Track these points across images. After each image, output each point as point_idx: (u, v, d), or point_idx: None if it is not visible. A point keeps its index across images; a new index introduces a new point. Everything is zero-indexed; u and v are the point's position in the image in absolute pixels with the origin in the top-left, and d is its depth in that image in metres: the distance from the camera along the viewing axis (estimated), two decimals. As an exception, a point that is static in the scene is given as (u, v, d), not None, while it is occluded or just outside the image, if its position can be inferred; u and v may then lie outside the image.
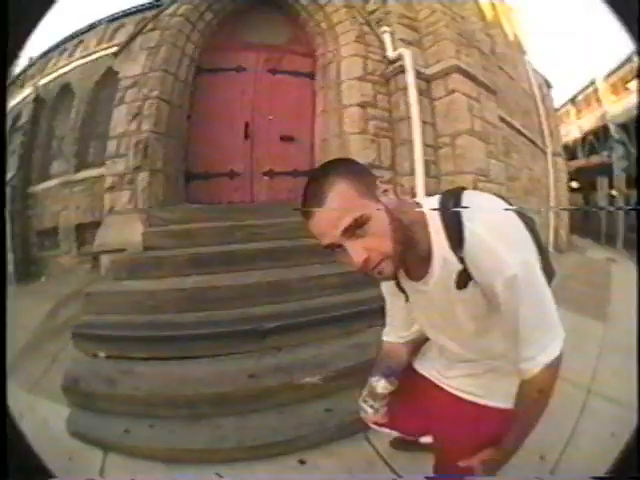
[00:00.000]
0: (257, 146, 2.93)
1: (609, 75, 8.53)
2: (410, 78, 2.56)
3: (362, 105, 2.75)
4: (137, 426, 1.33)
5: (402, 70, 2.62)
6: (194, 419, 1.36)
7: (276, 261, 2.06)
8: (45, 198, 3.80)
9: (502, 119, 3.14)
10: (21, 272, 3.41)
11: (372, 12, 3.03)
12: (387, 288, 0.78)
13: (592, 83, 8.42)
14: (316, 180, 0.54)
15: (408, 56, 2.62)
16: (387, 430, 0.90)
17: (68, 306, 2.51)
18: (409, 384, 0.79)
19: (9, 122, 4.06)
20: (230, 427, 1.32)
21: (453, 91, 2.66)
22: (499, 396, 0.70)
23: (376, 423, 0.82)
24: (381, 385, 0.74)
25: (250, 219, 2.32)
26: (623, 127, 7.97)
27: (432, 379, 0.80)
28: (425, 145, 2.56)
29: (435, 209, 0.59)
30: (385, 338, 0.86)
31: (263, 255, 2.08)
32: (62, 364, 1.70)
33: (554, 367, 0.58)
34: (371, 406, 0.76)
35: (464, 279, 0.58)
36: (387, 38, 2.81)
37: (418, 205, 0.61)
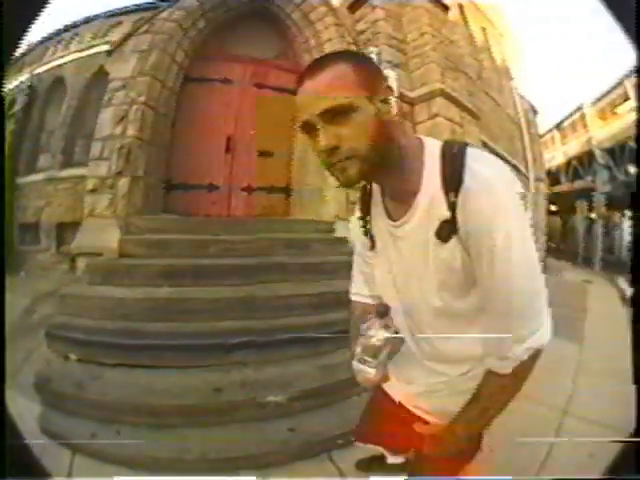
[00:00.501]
0: (237, 160, 2.94)
1: (598, 100, 8.77)
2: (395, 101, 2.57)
3: None
4: (104, 431, 1.35)
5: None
6: (159, 428, 1.37)
7: (246, 278, 2.06)
8: (30, 191, 3.75)
9: (485, 144, 3.18)
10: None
11: (361, 32, 3.05)
12: (356, 232, 0.67)
13: (579, 108, 8.63)
14: (320, 58, 0.51)
15: (393, 78, 2.64)
16: (372, 446, 0.85)
17: (44, 304, 2.50)
18: (386, 403, 0.72)
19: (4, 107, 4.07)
20: (194, 438, 1.33)
21: (436, 115, 2.69)
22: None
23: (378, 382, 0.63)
24: (378, 334, 0.56)
25: (225, 234, 2.32)
26: (609, 152, 8.18)
27: (399, 400, 0.70)
28: None
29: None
30: (354, 297, 0.74)
31: (234, 271, 2.07)
32: (35, 361, 1.73)
33: (537, 358, 0.52)
34: (371, 364, 0.57)
35: (448, 230, 0.49)
36: (374, 59, 2.83)
37: (420, 140, 0.55)
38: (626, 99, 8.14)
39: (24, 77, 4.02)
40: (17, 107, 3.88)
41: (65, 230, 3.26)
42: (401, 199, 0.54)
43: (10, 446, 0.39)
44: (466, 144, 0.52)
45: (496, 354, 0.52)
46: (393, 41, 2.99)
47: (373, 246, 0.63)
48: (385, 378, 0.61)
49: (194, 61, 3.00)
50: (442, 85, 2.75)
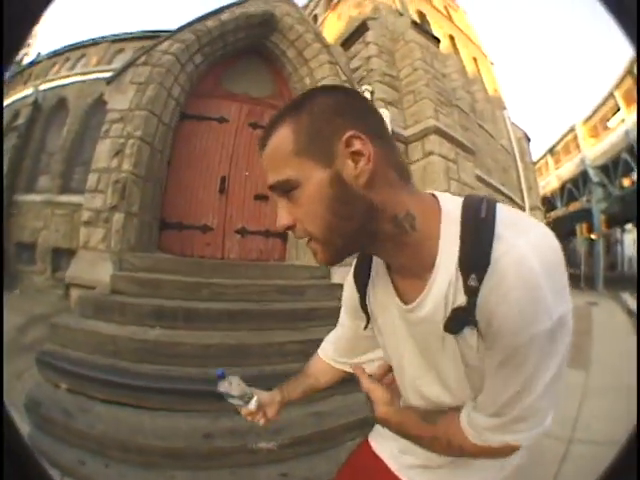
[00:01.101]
0: (231, 202, 2.92)
1: (588, 118, 8.86)
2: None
3: None
4: (92, 461, 1.34)
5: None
6: (147, 467, 1.35)
7: (238, 323, 2.02)
8: (28, 211, 3.76)
9: (480, 178, 3.18)
10: (-4, 279, 3.45)
11: (356, 69, 3.07)
12: (349, 302, 0.57)
13: (571, 130, 8.70)
14: (272, 117, 0.41)
15: (386, 117, 2.65)
16: None
17: (36, 327, 2.49)
18: (366, 464, 0.61)
19: (8, 118, 4.00)
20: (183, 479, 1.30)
21: (430, 153, 2.69)
22: None
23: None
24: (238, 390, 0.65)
25: (217, 277, 2.28)
26: (602, 169, 8.24)
27: (388, 464, 0.58)
28: None
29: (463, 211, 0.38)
30: (318, 352, 0.70)
31: (226, 316, 2.03)
32: (26, 383, 1.74)
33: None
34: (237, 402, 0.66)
35: (461, 319, 0.37)
36: (367, 97, 2.83)
37: (433, 197, 0.41)
38: (617, 110, 8.23)
39: (29, 91, 4.08)
40: (20, 121, 3.92)
41: (61, 255, 3.25)
42: (412, 277, 0.41)
43: (8, 451, 0.37)
44: (494, 204, 0.38)
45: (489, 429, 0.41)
46: (386, 78, 3.01)
47: (367, 325, 0.52)
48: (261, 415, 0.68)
49: (190, 97, 3.01)
50: (436, 122, 2.75)
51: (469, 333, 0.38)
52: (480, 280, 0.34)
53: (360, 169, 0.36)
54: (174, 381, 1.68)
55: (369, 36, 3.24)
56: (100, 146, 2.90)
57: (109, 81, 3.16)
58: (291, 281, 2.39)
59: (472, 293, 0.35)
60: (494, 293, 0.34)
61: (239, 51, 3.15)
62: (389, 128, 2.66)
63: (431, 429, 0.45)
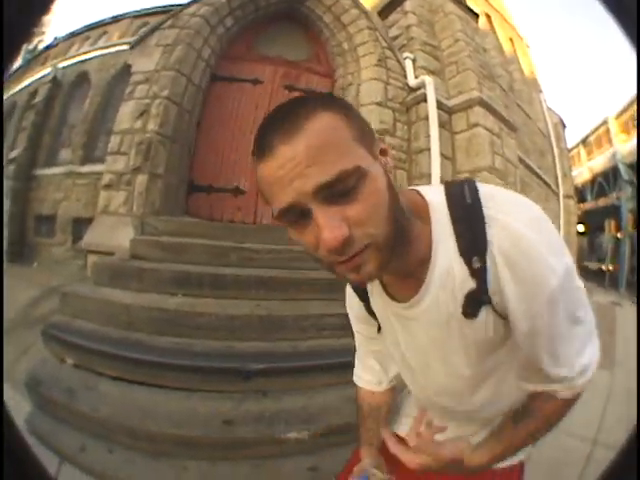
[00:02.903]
0: None
1: (621, 113, 8.40)
2: (432, 108, 2.34)
3: (380, 132, 2.48)
4: (95, 446, 1.17)
5: (424, 99, 2.40)
6: (156, 455, 1.16)
7: (271, 292, 1.78)
8: (48, 184, 3.65)
9: (520, 158, 2.92)
10: (14, 253, 3.24)
11: (395, 37, 2.81)
12: (355, 311, 0.54)
13: (604, 122, 8.27)
14: (289, 106, 0.32)
15: (430, 85, 2.40)
16: None
17: (50, 299, 2.32)
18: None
19: (25, 98, 3.91)
20: (196, 471, 1.12)
21: (475, 125, 2.43)
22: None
23: None
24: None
25: (249, 242, 2.05)
26: (633, 167, 7.77)
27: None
28: (443, 181, 2.32)
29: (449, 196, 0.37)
30: (357, 382, 0.60)
31: (257, 283, 1.80)
32: (32, 358, 1.59)
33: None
34: None
35: (476, 303, 0.37)
36: (409, 65, 2.60)
37: (417, 193, 0.40)
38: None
39: (47, 70, 3.95)
40: (38, 98, 3.79)
41: (82, 225, 3.09)
42: (405, 275, 0.40)
43: (8, 448, 0.33)
44: (475, 186, 0.37)
45: (561, 385, 0.40)
46: (427, 47, 2.76)
47: (380, 329, 0.50)
48: None
49: (221, 60, 2.79)
50: (480, 94, 2.49)
51: (484, 314, 0.38)
52: (483, 262, 0.35)
53: (389, 163, 0.36)
54: (194, 357, 1.45)
55: (407, 5, 2.98)
56: (123, 108, 2.70)
57: (133, 45, 2.95)
58: (328, 248, 2.13)
59: (479, 275, 0.36)
60: (501, 269, 0.35)
61: (273, 15, 2.91)
62: (433, 95, 2.40)
63: (532, 422, 0.43)
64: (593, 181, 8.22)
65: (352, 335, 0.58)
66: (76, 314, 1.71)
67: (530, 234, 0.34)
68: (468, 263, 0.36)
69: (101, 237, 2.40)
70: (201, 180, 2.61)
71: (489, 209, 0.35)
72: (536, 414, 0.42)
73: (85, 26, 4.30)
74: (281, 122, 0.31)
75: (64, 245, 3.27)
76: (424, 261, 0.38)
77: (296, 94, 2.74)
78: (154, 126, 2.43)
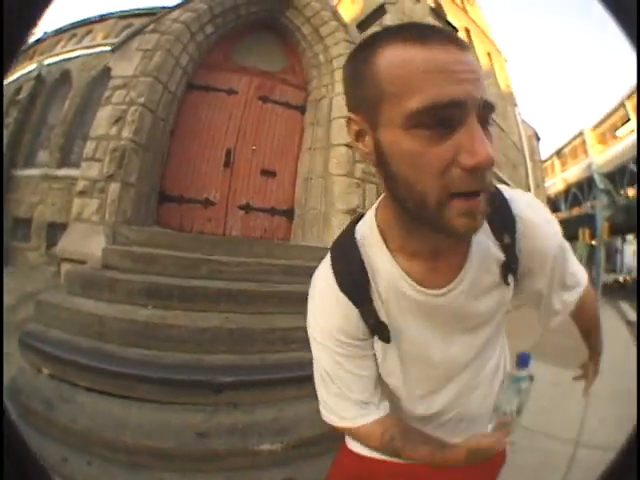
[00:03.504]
0: (236, 176, 2.65)
1: (598, 124, 8.72)
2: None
3: (351, 146, 2.39)
4: (75, 458, 1.16)
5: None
6: (134, 467, 1.16)
7: (240, 305, 1.77)
8: (26, 186, 3.51)
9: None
10: (-10, 256, 3.20)
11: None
12: (341, 323, 0.41)
13: (580, 134, 8.56)
14: (448, 30, 0.34)
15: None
16: None
17: (26, 305, 2.25)
18: (357, 468, 0.52)
19: (10, 92, 3.86)
20: None
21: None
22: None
23: None
24: None
25: (218, 254, 2.03)
26: (609, 176, 8.10)
27: (387, 459, 0.46)
28: None
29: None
30: (360, 421, 0.43)
31: (226, 296, 1.79)
32: (12, 367, 1.55)
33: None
34: None
35: (506, 271, 0.42)
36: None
37: None
38: (627, 120, 8.09)
39: (33, 66, 3.82)
40: (22, 95, 3.66)
41: (56, 231, 2.99)
42: (439, 258, 0.39)
43: (8, 448, 0.33)
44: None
45: (564, 304, 0.48)
46: (404, 61, 2.76)
47: (389, 338, 0.41)
48: None
49: (199, 68, 2.75)
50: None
51: (510, 280, 0.42)
52: (513, 236, 0.41)
53: None
54: (165, 369, 1.44)
55: (387, 20, 3.00)
56: (100, 113, 2.65)
57: (114, 49, 2.88)
58: (297, 261, 2.14)
59: (509, 248, 0.41)
60: (531, 236, 0.42)
61: (252, 25, 2.89)
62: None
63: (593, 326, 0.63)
64: (567, 191, 8.51)
65: None
66: (50, 323, 1.69)
67: (540, 205, 0.44)
68: (500, 240, 0.40)
69: (74, 245, 2.37)
70: (172, 190, 2.58)
71: (508, 194, 0.41)
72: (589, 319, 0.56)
73: (72, 23, 4.18)
74: (449, 33, 0.30)
75: (38, 250, 3.17)
76: (459, 246, 0.39)
77: (270, 106, 2.78)
78: (129, 133, 2.38)
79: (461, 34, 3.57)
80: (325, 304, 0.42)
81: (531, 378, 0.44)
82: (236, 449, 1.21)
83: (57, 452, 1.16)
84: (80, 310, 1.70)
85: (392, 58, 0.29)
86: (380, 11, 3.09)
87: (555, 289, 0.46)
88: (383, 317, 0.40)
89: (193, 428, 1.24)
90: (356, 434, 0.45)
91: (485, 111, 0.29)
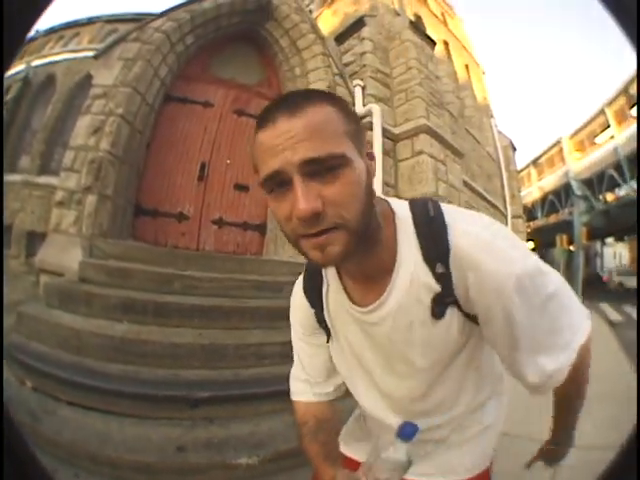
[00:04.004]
0: (210, 190, 2.64)
1: (576, 132, 8.94)
2: (377, 137, 2.39)
3: None
4: (64, 470, 1.16)
5: (370, 127, 2.45)
6: None
7: (212, 321, 1.78)
8: (9, 191, 3.43)
9: (465, 183, 3.04)
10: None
11: (349, 64, 2.85)
12: (302, 318, 0.51)
13: (557, 142, 8.74)
14: (300, 92, 0.38)
15: (377, 113, 2.45)
16: None
17: (10, 314, 2.22)
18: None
19: None
20: None
21: (420, 152, 2.51)
22: (453, 474, 0.48)
23: None
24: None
25: (191, 269, 2.03)
26: (586, 182, 8.32)
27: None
28: None
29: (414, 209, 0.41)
30: (302, 398, 0.54)
31: (200, 312, 1.79)
32: None
33: (589, 343, 0.42)
34: None
35: (442, 305, 0.39)
36: (358, 92, 2.64)
37: (386, 202, 0.43)
38: (606, 127, 8.30)
39: (22, 66, 3.73)
40: (10, 96, 3.58)
41: (35, 240, 2.94)
42: (368, 279, 0.42)
43: (8, 450, 0.33)
44: (437, 202, 0.42)
45: (543, 375, 0.40)
46: (379, 75, 2.81)
47: (329, 337, 0.49)
48: None
49: (177, 79, 2.74)
50: (427, 121, 2.58)
51: (450, 314, 0.40)
52: (446, 266, 0.38)
53: (373, 168, 0.39)
54: (142, 384, 1.45)
55: (365, 32, 3.03)
56: (80, 122, 2.62)
57: (97, 56, 2.85)
58: (269, 277, 2.15)
59: (443, 278, 0.38)
60: (465, 270, 0.37)
61: (231, 36, 2.88)
62: (379, 124, 2.47)
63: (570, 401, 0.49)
64: (544, 199, 8.69)
65: (291, 363, 0.55)
66: (31, 335, 1.69)
67: (488, 234, 0.37)
68: (432, 269, 0.38)
69: (52, 257, 2.32)
70: (147, 203, 2.56)
71: (450, 219, 0.38)
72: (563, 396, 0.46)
73: (61, 24, 4.11)
74: (288, 102, 0.34)
75: (18, 259, 3.12)
76: (388, 267, 0.40)
77: (245, 119, 2.77)
78: (106, 145, 2.36)
79: (439, 47, 3.63)
80: (295, 302, 0.53)
81: (409, 462, 0.38)
82: (215, 463, 1.22)
83: (47, 463, 1.15)
84: (59, 323, 1.71)
85: (255, 140, 0.36)
86: (359, 24, 3.12)
87: (523, 350, 0.38)
88: (329, 322, 0.48)
89: (173, 442, 1.26)
90: (295, 408, 0.55)
91: (314, 166, 0.32)
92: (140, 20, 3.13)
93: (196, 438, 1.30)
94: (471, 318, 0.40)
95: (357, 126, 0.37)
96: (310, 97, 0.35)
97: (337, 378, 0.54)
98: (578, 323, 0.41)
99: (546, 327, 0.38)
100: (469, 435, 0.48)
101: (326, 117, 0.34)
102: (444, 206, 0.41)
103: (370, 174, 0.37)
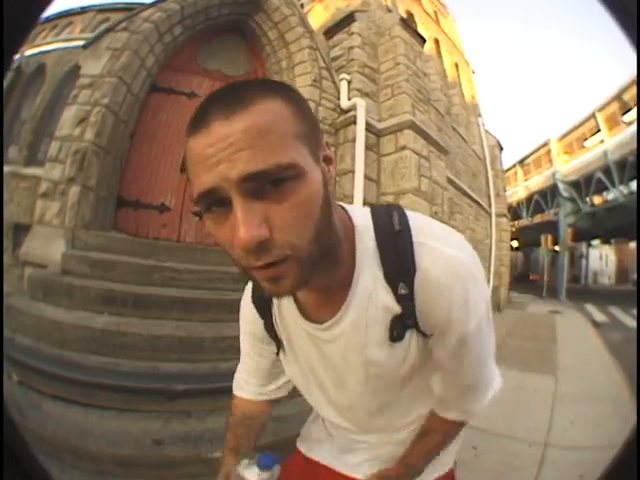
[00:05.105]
0: None
1: (565, 135, 8.99)
2: (360, 130, 2.36)
3: None
4: (50, 464, 1.15)
5: (354, 121, 2.42)
6: (101, 474, 1.18)
7: (191, 313, 1.76)
8: None
9: (449, 180, 3.03)
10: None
11: (336, 58, 2.81)
12: (251, 328, 0.48)
13: (545, 144, 8.76)
14: (238, 85, 0.29)
15: (361, 107, 2.42)
16: None
17: None
18: (304, 471, 0.54)
19: None
20: None
21: (403, 147, 2.49)
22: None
23: None
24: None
25: (172, 261, 2.00)
26: (574, 185, 8.37)
27: (329, 466, 0.52)
28: (367, 203, 2.35)
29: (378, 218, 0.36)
30: (244, 394, 0.55)
31: (179, 304, 1.77)
32: None
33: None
34: None
35: (402, 327, 0.36)
36: (344, 86, 2.60)
37: (345, 211, 0.37)
38: (596, 131, 8.35)
39: (17, 56, 3.62)
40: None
41: (21, 232, 2.88)
42: (322, 295, 0.37)
43: (8, 450, 0.32)
44: (404, 213, 0.36)
45: (458, 410, 0.44)
46: (366, 69, 2.77)
47: (279, 351, 0.47)
48: None
49: (163, 69, 2.67)
50: (412, 117, 2.55)
51: (409, 337, 0.37)
52: (410, 287, 0.34)
53: (331, 173, 0.32)
54: (122, 376, 1.44)
55: (355, 27, 2.98)
56: (66, 112, 2.56)
57: (86, 46, 2.78)
58: (249, 269, 2.12)
59: (406, 300, 0.35)
60: (431, 295, 0.34)
61: (220, 27, 2.81)
62: (363, 118, 2.44)
63: (433, 439, 0.46)
64: (529, 199, 8.73)
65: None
66: (16, 328, 1.67)
67: (461, 259, 0.34)
68: (394, 289, 0.34)
69: (36, 248, 2.28)
70: (129, 195, 2.50)
71: (418, 237, 0.34)
72: (434, 433, 0.45)
73: (55, 13, 3.99)
74: (226, 99, 0.27)
75: (6, 252, 3.06)
76: (345, 284, 0.36)
77: None
78: (91, 135, 2.30)
79: (429, 44, 3.59)
80: (244, 308, 0.49)
81: None
82: (191, 457, 1.21)
83: (47, 462, 1.15)
84: (42, 316, 1.67)
85: (186, 147, 0.29)
86: (349, 19, 3.07)
87: (463, 377, 0.39)
88: (280, 334, 0.45)
89: (150, 435, 1.26)
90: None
91: (256, 182, 0.26)
92: (132, 10, 3.05)
93: (173, 431, 1.30)
94: (428, 337, 0.37)
95: (312, 124, 0.30)
96: (253, 91, 0.27)
97: (279, 380, 0.53)
98: (491, 378, 0.43)
99: (490, 350, 0.40)
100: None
101: (273, 117, 0.26)
102: (412, 218, 0.36)
103: (327, 182, 0.30)
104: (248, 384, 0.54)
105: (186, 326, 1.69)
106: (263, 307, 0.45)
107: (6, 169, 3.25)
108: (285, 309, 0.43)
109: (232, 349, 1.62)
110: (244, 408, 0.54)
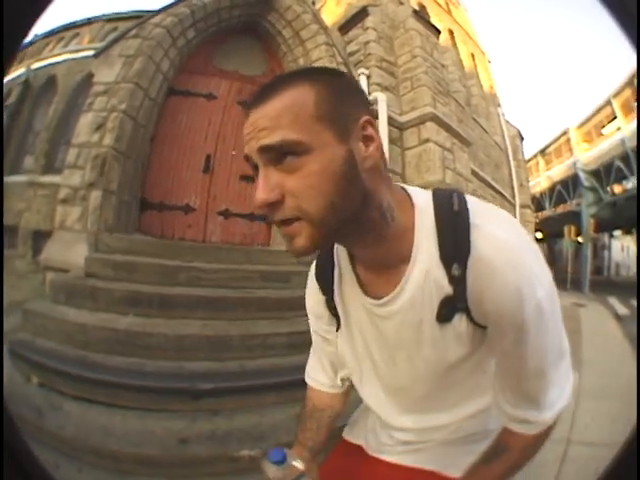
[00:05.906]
0: (216, 182, 2.62)
1: (583, 123, 8.80)
2: (383, 125, 2.36)
3: None
4: (66, 464, 1.17)
5: (375, 115, 2.41)
6: (122, 474, 1.18)
7: (218, 312, 1.77)
8: (13, 192, 3.45)
9: (473, 172, 2.99)
10: (-24, 264, 3.16)
11: (353, 53, 2.82)
12: (313, 304, 0.51)
13: (565, 133, 8.59)
14: (278, 76, 0.36)
15: (382, 101, 2.42)
16: None
17: (15, 314, 2.24)
18: (345, 462, 0.54)
19: None
20: None
21: (427, 140, 2.47)
22: (454, 468, 0.46)
23: None
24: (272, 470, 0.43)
25: (197, 261, 2.02)
26: (594, 174, 8.17)
27: (375, 456, 0.52)
28: None
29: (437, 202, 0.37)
30: (311, 383, 0.56)
31: (205, 304, 1.78)
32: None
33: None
34: None
35: (450, 309, 0.37)
36: (363, 81, 2.61)
37: (406, 192, 0.39)
38: (613, 118, 8.16)
39: (22, 70, 3.77)
40: (11, 100, 3.62)
41: (41, 239, 2.96)
42: (382, 271, 0.40)
43: (8, 451, 0.33)
44: (464, 196, 0.38)
45: (519, 418, 0.40)
46: (384, 63, 2.78)
47: (339, 325, 0.48)
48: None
49: (179, 73, 2.73)
50: (433, 109, 2.54)
51: (458, 320, 0.37)
52: (464, 269, 0.35)
53: (369, 153, 0.34)
54: (146, 377, 1.46)
55: (369, 21, 3.00)
56: (82, 119, 2.63)
57: (97, 54, 2.87)
58: (276, 267, 2.13)
59: (458, 282, 0.35)
60: (483, 279, 0.34)
61: (233, 29, 2.87)
62: (385, 112, 2.43)
63: (508, 463, 0.42)
64: (552, 189, 8.54)
65: (297, 353, 0.57)
66: (37, 332, 1.70)
67: (517, 244, 0.34)
68: (448, 269, 0.35)
69: (57, 253, 2.36)
70: (153, 197, 2.55)
71: (475, 218, 0.35)
72: (509, 450, 0.41)
73: (60, 26, 4.15)
74: (262, 91, 0.34)
75: (25, 258, 3.14)
76: (404, 260, 0.37)
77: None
78: (110, 141, 2.36)
79: (444, 35, 3.58)
80: (309, 287, 0.52)
81: None
82: (217, 455, 1.21)
83: (49, 459, 1.15)
84: (65, 319, 1.70)
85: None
86: (362, 13, 3.09)
87: (530, 373, 0.36)
88: (340, 310, 0.47)
89: (176, 435, 1.26)
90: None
91: (269, 154, 0.32)
92: (140, 17, 3.14)
93: (199, 430, 1.30)
94: (482, 327, 0.37)
95: (343, 104, 0.33)
96: (280, 83, 0.33)
97: (343, 372, 0.53)
98: (566, 381, 0.40)
99: (555, 351, 0.37)
100: (471, 438, 0.46)
101: (291, 101, 0.32)
102: (470, 201, 0.37)
103: (356, 160, 0.33)
104: (314, 371, 0.56)
105: (213, 325, 1.70)
106: (325, 283, 0.47)
107: (23, 179, 3.36)
108: (346, 285, 0.45)
109: (260, 347, 1.66)
110: (314, 399, 0.56)
